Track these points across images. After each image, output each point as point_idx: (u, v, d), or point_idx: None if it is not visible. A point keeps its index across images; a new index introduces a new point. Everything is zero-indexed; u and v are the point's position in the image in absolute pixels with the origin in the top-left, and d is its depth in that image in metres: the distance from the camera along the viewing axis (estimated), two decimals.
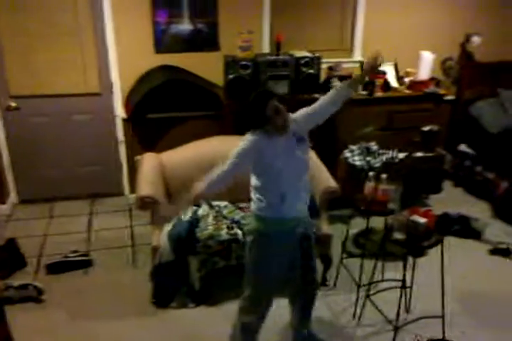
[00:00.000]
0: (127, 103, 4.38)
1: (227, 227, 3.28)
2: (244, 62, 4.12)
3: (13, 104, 4.33)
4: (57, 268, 3.57)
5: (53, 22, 4.14)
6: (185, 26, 4.35)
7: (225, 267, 3.25)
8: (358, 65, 4.71)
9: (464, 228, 4.06)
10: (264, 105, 2.28)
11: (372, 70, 2.47)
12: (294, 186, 2.40)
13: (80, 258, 3.65)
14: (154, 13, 4.25)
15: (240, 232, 3.23)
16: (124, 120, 4.48)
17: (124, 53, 4.32)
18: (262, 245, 2.48)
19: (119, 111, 4.48)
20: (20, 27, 4.10)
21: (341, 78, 4.43)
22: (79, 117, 4.51)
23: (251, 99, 2.36)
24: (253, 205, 2.49)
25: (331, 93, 2.45)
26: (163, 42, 4.36)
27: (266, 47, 4.60)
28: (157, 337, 2.97)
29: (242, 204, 3.62)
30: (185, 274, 3.20)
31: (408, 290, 3.06)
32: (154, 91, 4.16)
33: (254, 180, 2.46)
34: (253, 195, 2.48)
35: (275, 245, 2.46)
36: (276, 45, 4.29)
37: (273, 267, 2.50)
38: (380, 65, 2.43)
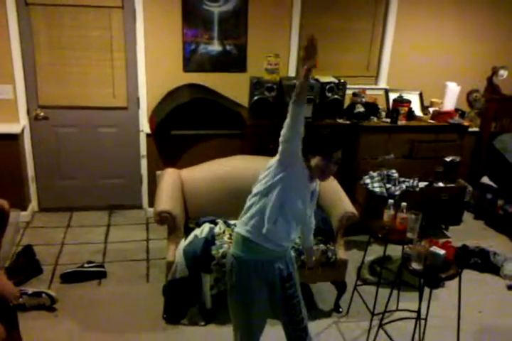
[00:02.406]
0: (152, 118, 4.46)
1: None
2: (269, 85, 4.18)
3: (42, 114, 4.42)
4: (72, 277, 3.59)
5: (87, 37, 4.26)
6: (214, 47, 4.44)
7: None
8: (382, 92, 4.74)
9: (483, 262, 3.99)
10: (335, 149, 2.26)
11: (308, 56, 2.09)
12: (290, 220, 2.30)
13: (94, 269, 3.67)
14: (185, 32, 4.35)
15: None
16: (147, 135, 4.54)
17: (152, 70, 4.41)
18: (239, 271, 2.34)
19: (144, 126, 4.55)
20: (55, 40, 4.23)
21: (365, 104, 4.47)
22: (104, 130, 4.59)
23: (327, 133, 2.38)
24: (241, 225, 2.34)
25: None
26: (191, 61, 4.45)
27: (292, 71, 4.66)
28: None
29: None
30: (197, 291, 3.20)
31: (423, 321, 3.01)
32: (179, 108, 4.23)
33: (256, 199, 2.30)
34: (248, 214, 2.32)
35: (252, 272, 2.33)
36: None
37: (254, 302, 2.36)
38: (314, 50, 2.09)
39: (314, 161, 2.27)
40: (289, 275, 2.43)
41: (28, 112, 4.40)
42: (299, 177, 2.27)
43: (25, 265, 3.61)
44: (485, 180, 4.91)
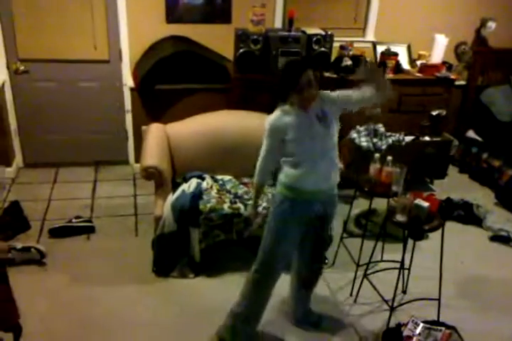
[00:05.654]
0: (135, 72, 4.35)
1: (230, 201, 3.29)
2: (255, 37, 4.06)
3: (22, 67, 4.30)
4: (60, 232, 3.60)
5: None
6: None
7: (226, 240, 3.28)
8: (370, 45, 4.65)
9: (466, 214, 4.08)
10: (300, 73, 2.26)
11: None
12: (311, 159, 2.40)
13: (83, 223, 3.68)
14: None
15: (242, 207, 3.25)
16: (131, 89, 4.45)
17: (134, 21, 4.27)
18: (279, 211, 2.50)
19: (127, 80, 4.45)
20: None
21: (353, 58, 4.39)
22: (86, 84, 4.49)
23: (287, 65, 2.36)
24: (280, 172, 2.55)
25: (368, 90, 2.57)
26: (175, 12, 4.31)
27: (278, 23, 4.55)
28: (156, 304, 3.02)
29: (245, 179, 3.63)
30: (186, 245, 3.23)
31: (406, 271, 3.10)
32: (163, 61, 4.13)
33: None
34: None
35: (290, 213, 2.48)
36: (289, 21, 4.22)
37: (286, 237, 2.52)
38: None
39: (293, 99, 2.33)
40: (325, 216, 2.58)
41: (8, 66, 4.28)
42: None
43: (13, 221, 3.61)
44: (470, 133, 4.94)
